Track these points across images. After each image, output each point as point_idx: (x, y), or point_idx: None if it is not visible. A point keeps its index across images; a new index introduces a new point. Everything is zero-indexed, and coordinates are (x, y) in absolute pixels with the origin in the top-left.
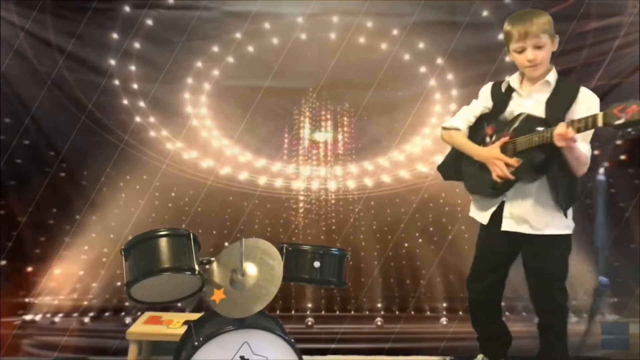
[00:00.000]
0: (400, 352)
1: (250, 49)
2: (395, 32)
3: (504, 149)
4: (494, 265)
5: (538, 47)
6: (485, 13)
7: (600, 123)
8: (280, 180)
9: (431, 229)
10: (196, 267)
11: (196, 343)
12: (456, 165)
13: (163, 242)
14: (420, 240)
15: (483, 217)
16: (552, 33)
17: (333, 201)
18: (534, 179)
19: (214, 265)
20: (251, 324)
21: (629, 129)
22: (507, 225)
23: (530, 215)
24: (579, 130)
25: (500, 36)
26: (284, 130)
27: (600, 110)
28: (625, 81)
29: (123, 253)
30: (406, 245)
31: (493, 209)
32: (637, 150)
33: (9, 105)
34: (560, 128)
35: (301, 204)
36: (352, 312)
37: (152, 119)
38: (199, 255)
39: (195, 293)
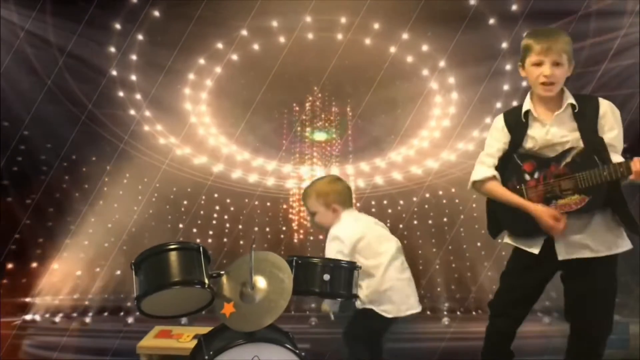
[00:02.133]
0: (400, 351)
1: (253, 48)
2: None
3: (555, 185)
4: (533, 295)
5: (557, 65)
6: (485, 14)
7: None
8: (279, 180)
9: (433, 229)
10: (206, 280)
11: (206, 357)
12: (498, 221)
13: (173, 256)
14: (420, 241)
15: (531, 245)
16: (571, 56)
17: None
18: (602, 209)
19: (224, 279)
20: (262, 337)
21: None
22: (565, 253)
23: (591, 238)
24: None
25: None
26: (284, 130)
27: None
28: (625, 81)
29: (133, 267)
30: (406, 242)
31: (543, 236)
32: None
33: (9, 105)
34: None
35: (300, 204)
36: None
37: (151, 119)
38: (209, 268)
39: (206, 306)
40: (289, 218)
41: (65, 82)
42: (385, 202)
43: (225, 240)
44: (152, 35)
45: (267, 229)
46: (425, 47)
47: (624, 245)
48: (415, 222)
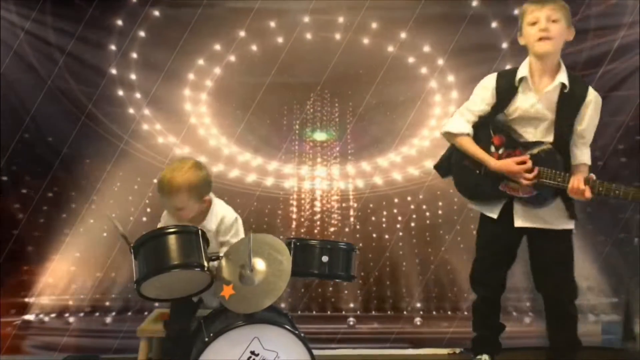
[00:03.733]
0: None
1: (253, 47)
2: (396, 32)
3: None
4: (503, 260)
5: (552, 21)
6: (485, 13)
7: (630, 199)
8: (279, 180)
9: (428, 231)
10: (205, 263)
11: (206, 339)
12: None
13: (172, 239)
14: (416, 241)
15: (491, 210)
16: (568, 18)
17: (333, 201)
18: (546, 205)
19: (223, 261)
20: (261, 319)
21: None
22: (521, 221)
23: (546, 212)
24: (598, 194)
25: (501, 37)
26: (284, 130)
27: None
28: (625, 82)
29: (132, 251)
30: (408, 244)
31: (502, 202)
32: (635, 148)
33: (9, 105)
34: (578, 183)
35: (300, 204)
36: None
37: (152, 119)
38: (207, 251)
39: (205, 289)
40: (287, 217)
41: (65, 82)
42: (384, 202)
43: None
44: (154, 32)
45: (266, 228)
46: (426, 48)
47: (569, 224)
48: (417, 221)
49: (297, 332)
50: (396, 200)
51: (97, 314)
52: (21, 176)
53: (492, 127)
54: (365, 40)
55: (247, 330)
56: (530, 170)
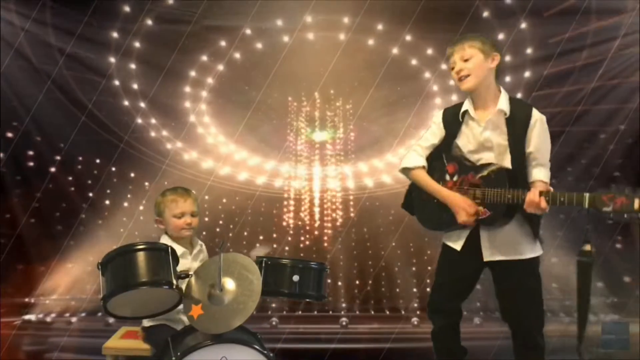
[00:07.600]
0: (402, 352)
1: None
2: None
3: (470, 192)
4: (464, 289)
5: (465, 60)
6: (485, 14)
7: (586, 205)
8: (279, 180)
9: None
10: (174, 281)
11: (174, 358)
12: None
13: (141, 256)
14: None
15: (456, 243)
16: (483, 49)
17: (332, 202)
18: (501, 225)
19: (192, 280)
20: (230, 338)
21: (612, 216)
22: (489, 254)
23: (512, 241)
24: (554, 203)
25: (501, 36)
26: (284, 129)
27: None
28: (625, 82)
29: (100, 267)
30: (410, 244)
31: (465, 234)
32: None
33: (9, 105)
34: (534, 196)
35: (299, 204)
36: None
37: (152, 119)
38: (177, 269)
39: (173, 308)
40: (289, 218)
41: (65, 82)
42: (387, 201)
43: (217, 240)
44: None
45: (267, 229)
46: (426, 48)
47: (537, 250)
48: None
49: (265, 351)
50: (397, 200)
51: (96, 314)
52: (22, 176)
53: (446, 157)
54: (367, 41)
55: (215, 350)
56: (472, 215)
